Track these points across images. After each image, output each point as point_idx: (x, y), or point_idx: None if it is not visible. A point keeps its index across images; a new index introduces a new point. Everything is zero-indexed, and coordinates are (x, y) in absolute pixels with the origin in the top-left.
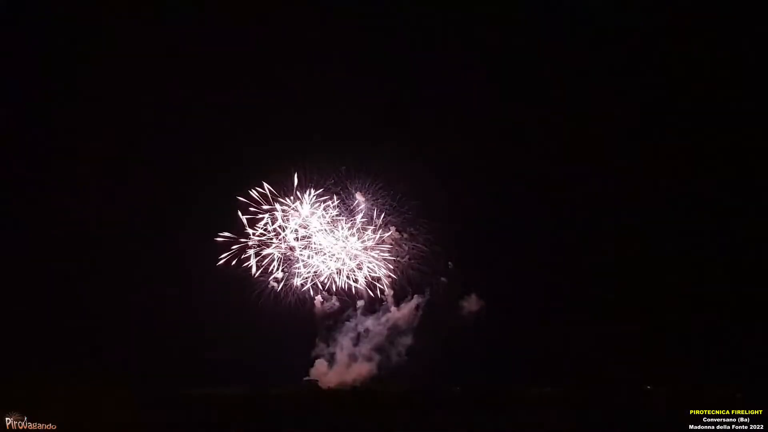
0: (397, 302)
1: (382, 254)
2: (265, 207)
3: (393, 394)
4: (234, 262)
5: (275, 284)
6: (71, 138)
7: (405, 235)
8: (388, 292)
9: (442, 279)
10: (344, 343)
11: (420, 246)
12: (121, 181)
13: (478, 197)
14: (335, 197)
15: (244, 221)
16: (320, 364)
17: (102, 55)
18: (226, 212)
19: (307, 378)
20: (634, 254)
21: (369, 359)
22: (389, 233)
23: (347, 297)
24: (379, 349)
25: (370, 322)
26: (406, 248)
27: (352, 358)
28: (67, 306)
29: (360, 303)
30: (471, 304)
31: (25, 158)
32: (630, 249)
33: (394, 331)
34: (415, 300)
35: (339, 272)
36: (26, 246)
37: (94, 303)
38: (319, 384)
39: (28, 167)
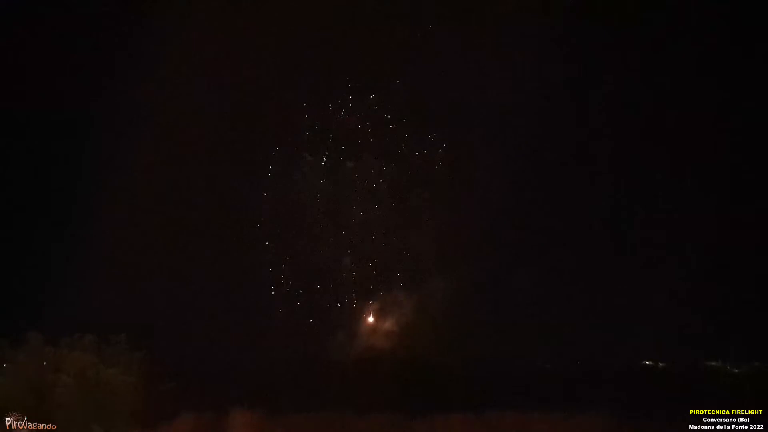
0: (433, 273)
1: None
2: None
3: (408, 368)
4: None
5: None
6: None
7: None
8: (425, 262)
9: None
10: (365, 313)
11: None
12: None
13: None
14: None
15: None
16: (339, 336)
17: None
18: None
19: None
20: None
21: (389, 332)
22: None
23: (375, 268)
24: (401, 320)
25: (398, 292)
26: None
27: (372, 329)
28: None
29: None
30: (519, 277)
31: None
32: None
33: (423, 303)
34: (455, 270)
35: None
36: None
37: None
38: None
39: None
